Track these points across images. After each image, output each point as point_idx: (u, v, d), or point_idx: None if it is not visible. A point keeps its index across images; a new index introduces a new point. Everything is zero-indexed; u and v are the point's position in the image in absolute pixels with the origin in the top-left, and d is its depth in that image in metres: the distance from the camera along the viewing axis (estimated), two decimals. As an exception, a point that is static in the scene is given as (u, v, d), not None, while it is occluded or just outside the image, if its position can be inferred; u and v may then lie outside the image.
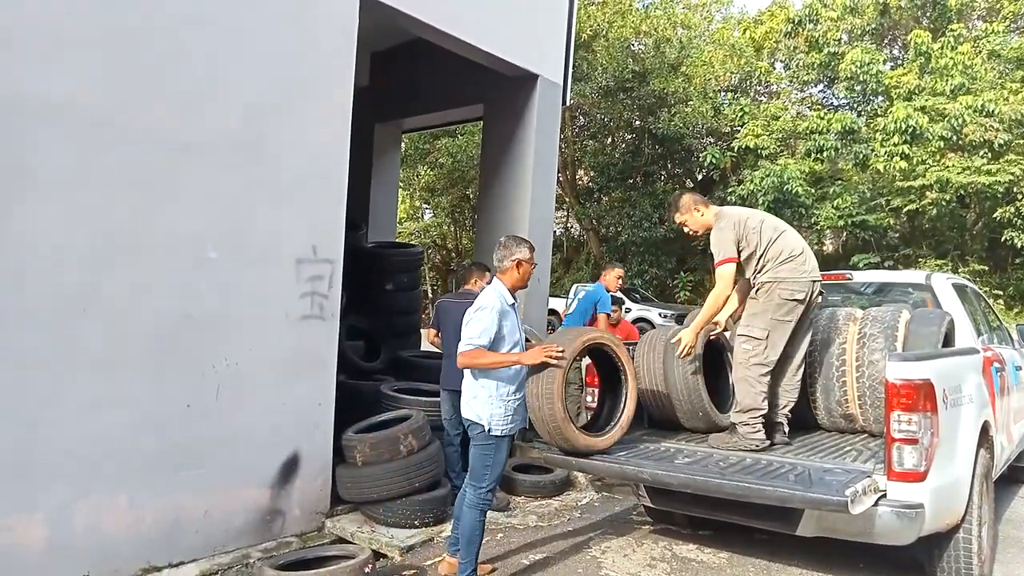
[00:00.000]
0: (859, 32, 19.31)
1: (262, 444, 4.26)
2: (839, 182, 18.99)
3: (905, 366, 3.24)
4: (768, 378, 3.90)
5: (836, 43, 19.28)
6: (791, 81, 21.67)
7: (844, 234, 19.19)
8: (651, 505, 4.04)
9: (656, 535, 4.66)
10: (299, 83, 4.41)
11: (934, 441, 3.23)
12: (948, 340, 4.19)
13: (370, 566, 3.61)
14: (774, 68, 22.34)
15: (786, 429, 4.07)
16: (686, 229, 4.40)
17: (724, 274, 4.03)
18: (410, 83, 7.37)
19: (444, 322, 5.15)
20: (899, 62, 19.32)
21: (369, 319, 6.52)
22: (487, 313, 3.50)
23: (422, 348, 7.13)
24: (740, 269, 4.12)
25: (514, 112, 6.47)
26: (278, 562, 3.74)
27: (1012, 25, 18.05)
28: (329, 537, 4.52)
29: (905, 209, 17.01)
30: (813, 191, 18.66)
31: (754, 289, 4.04)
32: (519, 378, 3.65)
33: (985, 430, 3.94)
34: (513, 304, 3.72)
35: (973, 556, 3.63)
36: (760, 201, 18.53)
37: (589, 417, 4.40)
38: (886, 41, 20.54)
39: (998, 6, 18.21)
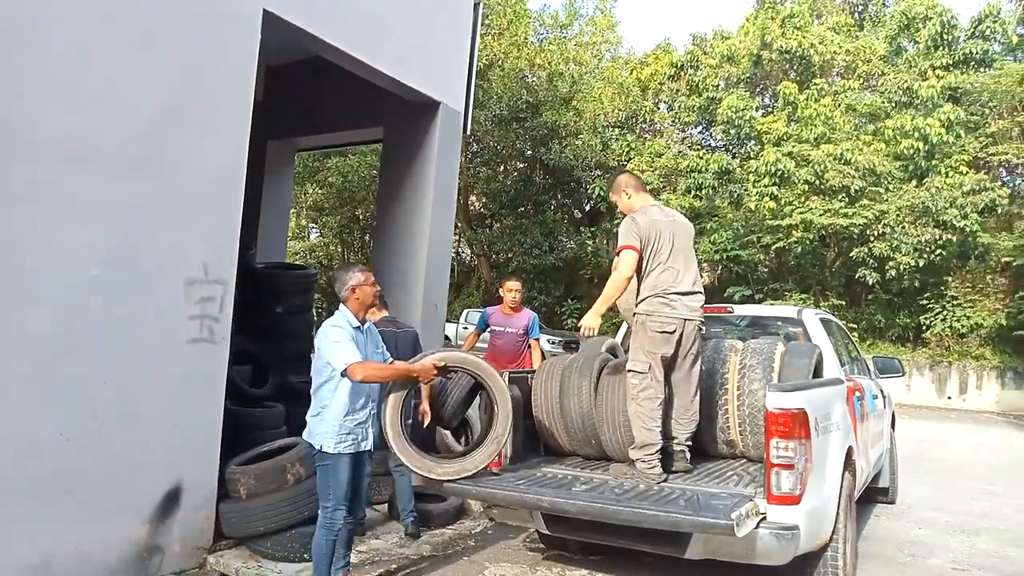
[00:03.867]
0: (735, 80, 20.72)
1: (142, 474, 4.02)
2: (715, 219, 20.19)
3: (783, 396, 3.48)
4: (660, 410, 3.96)
5: (714, 88, 20.60)
6: (673, 121, 22.90)
7: (719, 267, 20.35)
8: (546, 532, 4.10)
9: (550, 561, 4.73)
10: (197, 96, 4.26)
11: (808, 466, 3.48)
12: (817, 371, 4.53)
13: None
14: (658, 108, 23.56)
15: (688, 456, 4.13)
16: (617, 210, 4.49)
17: (623, 259, 4.07)
18: (307, 101, 7.24)
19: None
20: (770, 110, 20.85)
21: (258, 342, 6.27)
22: (342, 336, 3.60)
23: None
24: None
25: (415, 138, 6.49)
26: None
27: (865, 83, 19.89)
28: (212, 574, 4.30)
29: (774, 246, 18.29)
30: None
31: (634, 317, 4.13)
32: (357, 399, 3.68)
33: (849, 454, 4.28)
34: (359, 327, 3.79)
35: (839, 572, 3.91)
36: (644, 233, 19.38)
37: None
38: (758, 90, 22.13)
39: (853, 65, 20.05)
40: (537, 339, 5.94)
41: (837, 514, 3.90)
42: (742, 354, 4.44)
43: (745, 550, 3.40)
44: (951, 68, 17.97)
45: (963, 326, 17.49)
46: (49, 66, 3.54)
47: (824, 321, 5.41)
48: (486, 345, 6.22)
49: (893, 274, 16.93)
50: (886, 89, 18.67)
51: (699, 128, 23.17)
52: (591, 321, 4.12)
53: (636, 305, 4.11)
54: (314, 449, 3.67)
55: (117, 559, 3.89)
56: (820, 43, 19.35)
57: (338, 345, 3.57)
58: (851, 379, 5.04)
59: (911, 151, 16.79)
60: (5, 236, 3.39)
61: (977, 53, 18.25)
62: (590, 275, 23.15)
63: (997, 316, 17.48)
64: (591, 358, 4.44)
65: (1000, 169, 18.94)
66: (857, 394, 4.97)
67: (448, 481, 3.77)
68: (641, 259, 4.09)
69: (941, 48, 18.20)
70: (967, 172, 16.80)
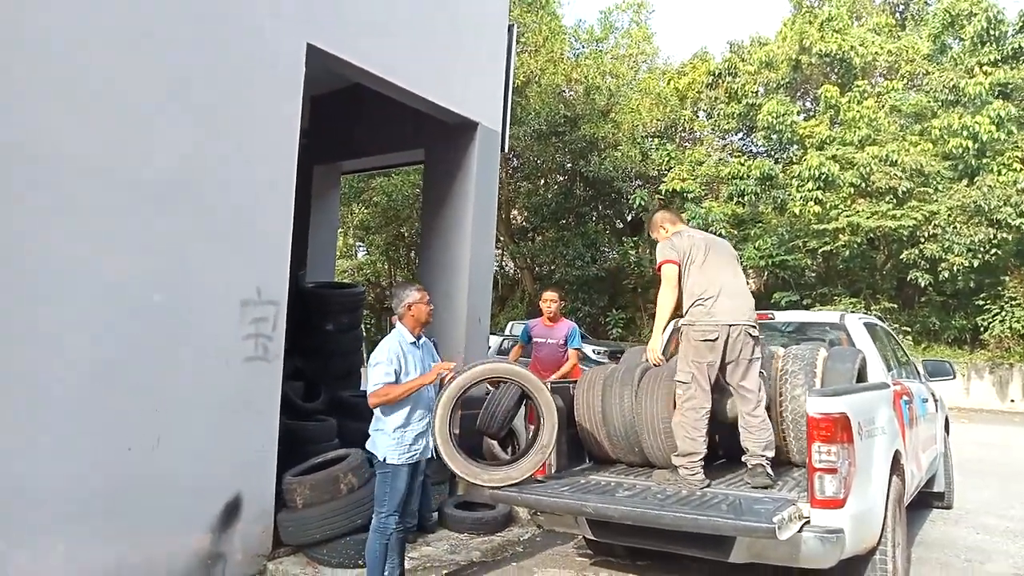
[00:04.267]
0: (774, 85, 20.53)
1: (204, 488, 4.22)
2: (759, 224, 19.98)
3: (823, 401, 3.51)
4: (704, 420, 3.97)
5: (753, 95, 20.43)
6: (713, 129, 22.76)
7: (765, 273, 20.10)
8: (592, 537, 4.18)
9: (597, 567, 4.80)
10: (248, 127, 4.49)
11: (851, 470, 3.49)
12: (861, 376, 4.53)
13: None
14: (697, 116, 23.44)
15: (768, 470, 3.97)
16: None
17: (666, 274, 4.20)
18: (350, 126, 7.49)
19: None
20: (811, 114, 20.58)
21: (308, 360, 6.51)
22: (383, 357, 3.87)
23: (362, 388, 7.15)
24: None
25: (454, 158, 6.67)
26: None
27: (909, 83, 19.51)
28: (271, 581, 4.49)
29: (820, 250, 18.01)
30: (736, 233, 19.58)
31: (680, 331, 4.21)
32: (413, 412, 3.92)
33: (897, 458, 4.26)
34: (415, 342, 4.06)
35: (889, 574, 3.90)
36: (686, 242, 19.27)
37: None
38: (799, 94, 21.88)
39: (896, 65, 19.69)
40: (577, 349, 6.03)
41: (885, 518, 3.88)
42: (783, 360, 4.46)
43: (789, 553, 3.42)
44: (999, 64, 17.51)
45: (1023, 326, 16.92)
46: (100, 98, 3.77)
47: (868, 325, 5.38)
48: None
49: (946, 275, 16.50)
50: (931, 88, 18.26)
51: (739, 135, 22.98)
52: (654, 344, 4.32)
53: (682, 317, 4.18)
54: (376, 458, 3.91)
55: (183, 567, 4.10)
56: (861, 45, 19.05)
57: (376, 368, 3.84)
58: (898, 383, 5.01)
59: (960, 150, 16.39)
60: (68, 264, 3.62)
61: (1026, 47, 17.78)
62: (633, 285, 23.07)
63: (1062, 316, 16.87)
64: (632, 367, 4.52)
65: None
66: (905, 398, 4.93)
67: (493, 488, 3.88)
68: (680, 274, 4.19)
69: (988, 44, 17.74)
70: (1021, 169, 16.31)
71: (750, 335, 4.08)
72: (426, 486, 5.15)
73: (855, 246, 17.38)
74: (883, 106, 18.23)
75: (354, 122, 7.40)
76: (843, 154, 17.31)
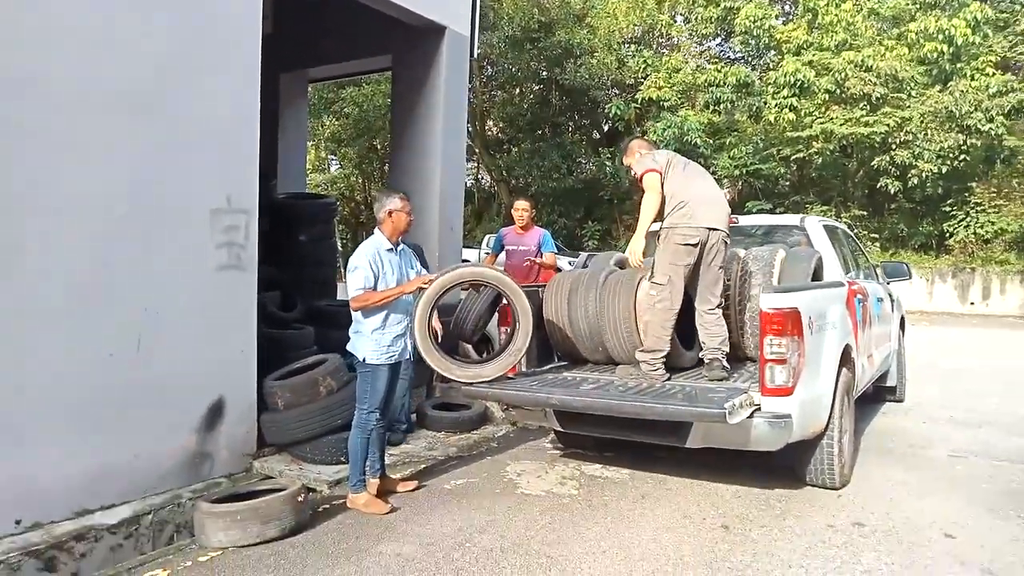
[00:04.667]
0: (754, -14, 20.00)
1: (187, 391, 4.37)
2: (735, 133, 19.94)
3: (776, 297, 3.71)
4: (673, 321, 4.17)
5: (731, -2, 19.98)
6: (691, 34, 22.31)
7: (740, 183, 20.21)
8: (560, 429, 4.43)
9: (566, 458, 5.09)
10: (208, 32, 4.40)
11: (800, 361, 3.73)
12: (816, 275, 4.73)
13: (303, 495, 3.84)
14: (675, 21, 22.92)
15: (724, 363, 4.24)
16: (631, 172, 4.62)
17: (649, 182, 4.29)
18: (315, 32, 7.31)
19: None
20: (789, 18, 20.21)
21: (284, 270, 6.59)
22: (361, 262, 4.02)
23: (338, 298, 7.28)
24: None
25: (422, 64, 6.58)
26: (212, 497, 3.92)
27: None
28: (258, 476, 4.71)
29: (794, 158, 18.10)
30: (711, 142, 19.56)
31: (657, 235, 4.36)
32: (390, 315, 4.11)
33: (847, 353, 4.52)
34: (392, 248, 4.20)
35: (835, 459, 4.22)
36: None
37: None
38: (778, -3, 21.40)
39: (877, -34, 19.25)
40: (553, 252, 6.18)
41: (832, 406, 4.16)
42: (743, 262, 4.64)
43: (741, 437, 3.69)
44: (979, -37, 17.24)
45: (987, 232, 17.34)
46: (52, 8, 3.69)
47: (828, 228, 5.56)
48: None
49: (916, 182, 16.74)
50: (911, -11, 18.00)
51: (717, 41, 22.59)
52: (636, 246, 4.32)
53: (663, 219, 4.31)
54: (356, 359, 4.09)
55: (171, 465, 4.29)
56: (841, -57, 18.55)
57: (354, 273, 3.96)
58: (854, 283, 5.22)
59: (935, 54, 16.33)
60: (37, 181, 3.63)
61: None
62: (610, 196, 23.09)
63: (1023, 220, 17.28)
64: (598, 271, 4.67)
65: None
66: (859, 297, 5.16)
67: (467, 383, 4.08)
68: (662, 182, 4.31)
69: (970, -58, 17.39)
70: (994, 74, 16.32)
71: (724, 242, 4.28)
72: (406, 389, 5.38)
73: (828, 154, 17.49)
74: (861, 10, 17.96)
75: (319, 27, 7.23)
76: (819, 59, 17.16)
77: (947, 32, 15.95)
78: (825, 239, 5.25)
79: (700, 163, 17.93)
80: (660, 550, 3.52)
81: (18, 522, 3.60)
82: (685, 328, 4.40)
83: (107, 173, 3.91)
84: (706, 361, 4.24)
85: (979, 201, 17.55)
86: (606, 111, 21.63)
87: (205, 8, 4.39)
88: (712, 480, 4.56)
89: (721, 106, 19.12)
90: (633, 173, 4.62)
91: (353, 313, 4.09)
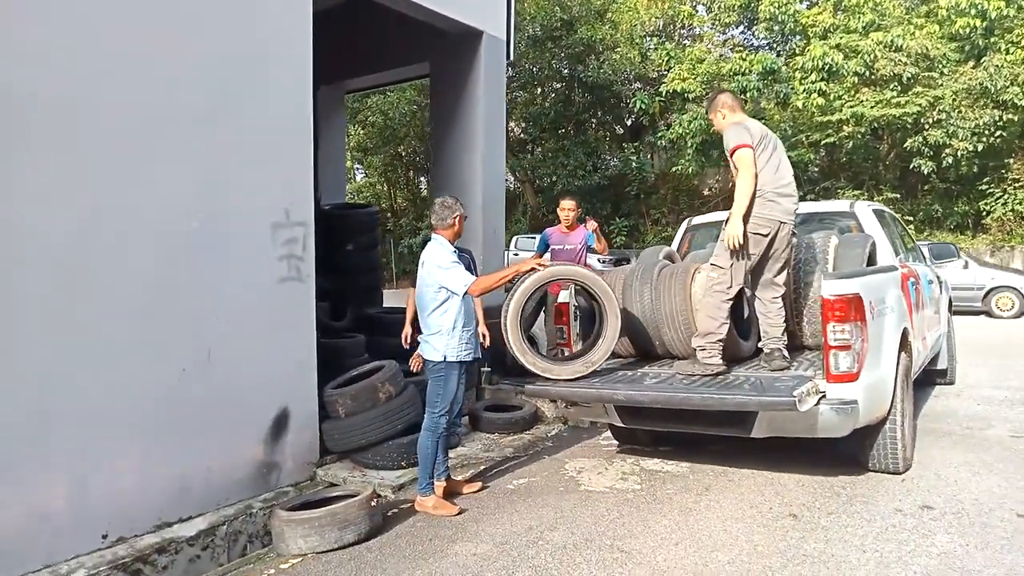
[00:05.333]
0: (776, -27, 19.81)
1: (254, 402, 4.49)
2: (762, 121, 19.72)
3: (837, 283, 3.71)
4: (728, 306, 4.11)
5: (755, -17, 19.81)
6: (713, 24, 22.15)
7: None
8: (621, 424, 4.46)
9: (624, 454, 5.13)
10: (263, 45, 4.52)
11: (864, 347, 3.73)
12: (871, 260, 4.71)
13: (375, 500, 3.93)
14: (696, 11, 22.78)
15: (784, 353, 4.19)
16: (712, 128, 4.52)
17: (742, 157, 4.06)
18: (353, 43, 7.42)
19: None
20: (814, 1, 19.97)
21: (332, 279, 6.71)
22: (451, 259, 4.13)
23: (384, 305, 7.40)
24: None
25: (460, 69, 6.65)
26: (287, 505, 4.02)
27: (916, -39, 18.85)
28: (322, 484, 4.82)
29: (823, 143, 17.88)
30: (738, 132, 19.36)
31: (726, 221, 4.22)
32: (462, 315, 4.20)
33: (905, 336, 4.50)
34: (456, 252, 4.32)
35: (898, 443, 4.20)
36: (689, 144, 19.19)
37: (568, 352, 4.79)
38: (801, -20, 21.14)
39: (903, -57, 18.96)
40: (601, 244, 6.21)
41: (894, 390, 4.15)
42: (796, 249, 4.63)
43: (808, 425, 3.70)
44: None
45: (1025, 208, 17.00)
46: (117, 28, 3.82)
47: (877, 212, 5.53)
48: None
49: (950, 161, 16.44)
50: (938, -35, 17.68)
51: (740, 28, 22.39)
52: (735, 229, 4.05)
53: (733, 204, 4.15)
54: (431, 362, 4.20)
55: (241, 476, 4.41)
56: (865, -77, 18.31)
57: (453, 269, 4.06)
58: (905, 266, 5.19)
59: (968, 29, 16.04)
60: (115, 197, 3.76)
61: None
62: (636, 191, 23.03)
63: (1063, 196, 16.91)
64: (650, 266, 4.70)
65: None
66: (912, 280, 5.13)
67: (564, 380, 4.14)
68: (755, 159, 4.12)
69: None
70: (1029, 46, 16.00)
71: (793, 233, 4.25)
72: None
73: (859, 137, 17.27)
74: (889, -13, 17.71)
75: (355, 39, 7.33)
76: (847, 42, 16.95)
77: (979, 6, 15.64)
78: (875, 223, 5.22)
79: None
80: (732, 540, 3.55)
81: (104, 536, 3.73)
82: (743, 318, 4.41)
83: (175, 188, 4.03)
84: (766, 351, 4.23)
85: (1017, 177, 17.19)
86: (630, 106, 21.56)
87: (260, 22, 4.51)
88: (773, 470, 4.57)
89: (747, 95, 18.93)
90: (713, 128, 4.53)
91: (428, 318, 4.19)
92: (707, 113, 4.65)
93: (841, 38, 17.17)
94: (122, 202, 3.79)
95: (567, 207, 6.17)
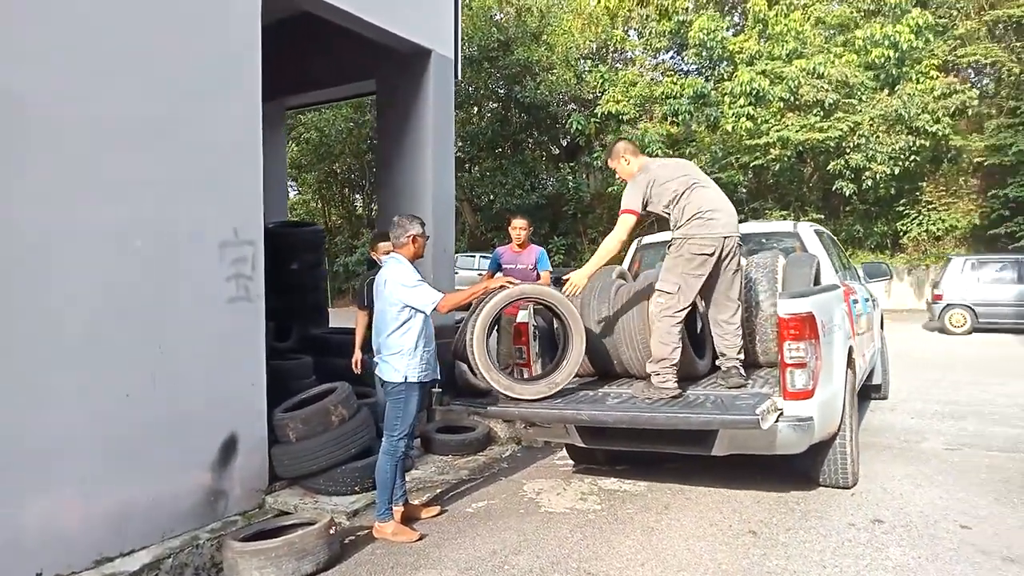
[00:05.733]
0: (704, 1, 20.56)
1: (202, 427, 4.30)
2: (693, 144, 20.35)
3: (792, 302, 3.82)
4: (678, 328, 4.12)
5: (684, 11, 20.47)
6: (645, 48, 22.74)
7: (700, 192, 20.56)
8: (581, 445, 4.45)
9: (581, 474, 5.13)
10: (212, 61, 4.38)
11: (818, 364, 3.84)
12: (817, 279, 4.87)
13: (334, 528, 3.79)
14: (628, 36, 23.36)
15: (741, 371, 4.24)
16: (616, 176, 4.59)
17: (621, 222, 4.29)
18: (295, 59, 7.27)
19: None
20: (740, 28, 20.76)
21: (277, 299, 6.48)
22: (415, 278, 4.07)
23: (330, 325, 7.23)
24: (639, 223, 4.40)
25: (409, 87, 6.61)
26: (239, 536, 3.84)
27: (833, -6, 19.86)
28: (272, 512, 4.64)
29: (752, 165, 18.53)
30: (672, 153, 19.92)
31: (669, 244, 4.30)
32: (424, 334, 4.16)
33: (850, 352, 4.66)
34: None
35: (848, 458, 4.34)
36: (624, 164, 19.58)
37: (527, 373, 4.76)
38: (727, 8, 21.98)
39: (821, -24, 19.95)
40: (548, 271, 6.20)
41: (844, 406, 4.29)
42: (746, 268, 4.75)
43: (767, 442, 3.78)
44: (916, -28, 18.03)
45: (938, 229, 17.99)
46: (65, 42, 3.64)
47: (818, 232, 5.74)
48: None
49: (869, 184, 17.29)
50: (853, -1, 18.69)
51: (670, 54, 23.07)
52: (579, 280, 4.34)
53: (675, 230, 4.26)
54: (391, 383, 4.09)
55: (188, 506, 4.21)
56: (785, -44, 19.21)
57: (419, 287, 4.00)
58: (844, 284, 5.39)
59: (882, 59, 16.94)
60: (52, 217, 3.55)
61: (942, -45, 18.34)
62: (573, 211, 23.33)
63: (971, 216, 17.99)
64: (608, 285, 4.73)
65: (969, 71, 19.16)
66: (853, 297, 5.33)
67: (529, 400, 4.10)
68: (639, 216, 4.32)
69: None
70: (937, 76, 17.02)
71: (739, 246, 4.27)
72: None
73: (785, 159, 17.97)
74: (809, 18, 18.56)
75: (298, 55, 7.18)
76: (772, 68, 17.67)
77: (892, 38, 16.57)
78: (817, 243, 5.41)
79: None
80: (696, 559, 3.58)
81: (39, 574, 3.49)
82: (698, 338, 4.49)
83: (121, 204, 3.85)
84: (723, 369, 4.29)
85: (930, 199, 18.21)
86: (566, 127, 21.88)
87: (208, 36, 4.37)
88: (729, 487, 4.64)
89: (680, 118, 19.51)
90: (617, 176, 4.65)
91: (387, 339, 4.09)
92: (608, 163, 4.72)
93: (766, 64, 17.89)
94: (68, 221, 3.60)
95: (519, 226, 6.17)
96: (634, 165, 4.47)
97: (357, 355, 5.56)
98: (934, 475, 4.81)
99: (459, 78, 6.95)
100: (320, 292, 7.19)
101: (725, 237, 4.16)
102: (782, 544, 3.72)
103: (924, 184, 18.36)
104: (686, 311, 4.14)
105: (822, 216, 19.16)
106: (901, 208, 18.32)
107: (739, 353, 4.27)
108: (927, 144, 16.75)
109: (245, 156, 4.61)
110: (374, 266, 5.70)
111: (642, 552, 3.68)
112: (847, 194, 17.82)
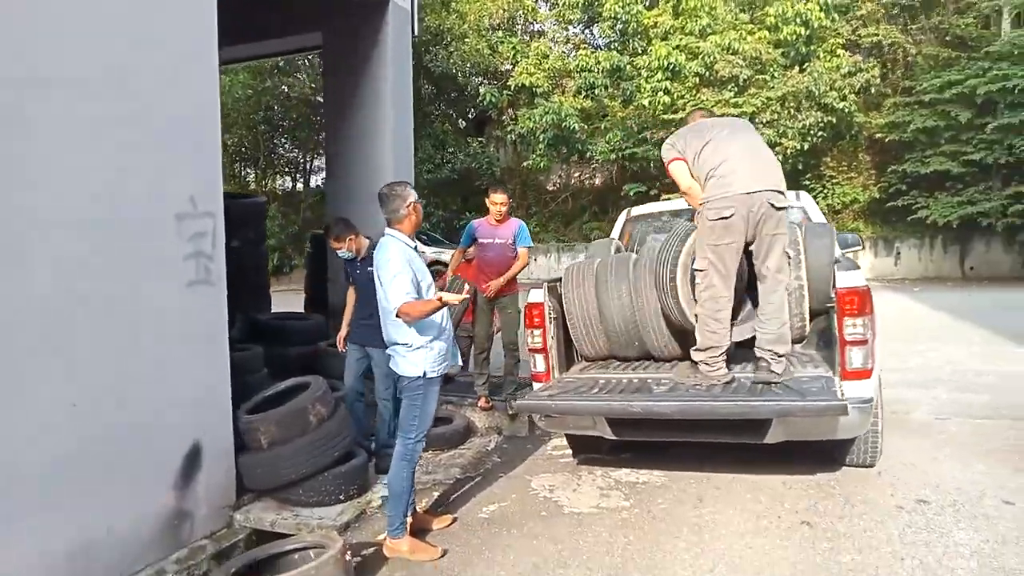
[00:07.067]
0: (617, -27, 20.34)
1: (160, 437, 3.56)
2: (607, 118, 20.24)
3: (850, 275, 3.52)
4: (724, 312, 3.71)
5: (597, -18, 20.21)
6: (558, 20, 22.37)
7: (615, 166, 20.57)
8: (612, 437, 3.99)
9: (588, 465, 4.69)
10: (166, 17, 3.59)
11: (874, 341, 3.56)
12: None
13: (348, 552, 3.18)
14: (538, 6, 22.91)
15: (772, 365, 3.68)
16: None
17: (674, 170, 3.96)
18: (231, 4, 6.35)
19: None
20: (654, 2, 20.72)
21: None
22: (400, 268, 3.41)
23: (274, 309, 6.44)
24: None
25: (360, 42, 5.88)
26: (231, 570, 3.16)
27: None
28: (243, 531, 3.96)
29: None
30: (587, 127, 19.77)
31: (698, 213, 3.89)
32: (443, 319, 3.58)
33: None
34: (415, 247, 3.65)
35: (879, 437, 4.12)
36: (540, 138, 19.26)
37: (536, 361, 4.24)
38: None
39: (730, -47, 20.16)
40: (527, 247, 5.68)
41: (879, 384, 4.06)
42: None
43: (829, 427, 3.47)
44: (824, -49, 18.50)
45: (840, 203, 18.73)
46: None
47: (814, 200, 5.53)
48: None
49: (781, 158, 17.70)
50: (765, -25, 19.00)
51: (581, 27, 22.79)
52: (693, 192, 3.92)
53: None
54: (407, 378, 3.50)
55: (150, 534, 3.48)
56: (696, -69, 19.27)
57: (396, 280, 3.36)
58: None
59: (793, 37, 17.30)
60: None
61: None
62: (486, 186, 22.73)
63: (870, 191, 18.82)
64: (624, 260, 4.30)
65: (870, 51, 19.91)
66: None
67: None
68: (690, 164, 3.92)
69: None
70: (843, 55, 17.57)
71: (772, 205, 3.67)
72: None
73: (701, 134, 18.13)
74: (720, -6, 18.72)
75: (238, 2, 6.26)
76: (687, 44, 17.71)
77: (803, 15, 16.93)
78: (819, 213, 5.19)
79: (577, 148, 17.71)
80: (765, 558, 3.24)
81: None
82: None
83: (56, 170, 3.03)
84: (757, 356, 3.81)
85: (832, 174, 18.92)
86: (479, 99, 21.25)
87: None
88: (751, 472, 4.34)
89: (596, 91, 19.31)
90: None
91: (395, 328, 3.48)
92: None
93: (680, 40, 17.93)
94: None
95: (500, 201, 5.59)
96: (670, 143, 4.13)
97: (344, 331, 4.97)
98: (943, 447, 4.71)
99: (416, 34, 6.26)
100: (263, 273, 6.39)
101: (748, 194, 3.64)
102: (843, 535, 3.43)
103: (828, 159, 19.03)
104: (729, 289, 3.70)
105: (733, 191, 19.54)
106: (807, 182, 18.91)
107: (775, 344, 3.71)
108: (834, 121, 17.29)
109: (203, 109, 3.83)
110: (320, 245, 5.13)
111: (703, 555, 3.30)
112: (758, 168, 18.18)
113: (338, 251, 4.90)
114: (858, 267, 3.67)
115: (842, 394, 3.30)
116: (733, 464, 4.45)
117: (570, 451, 4.93)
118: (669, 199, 15.78)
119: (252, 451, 4.10)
